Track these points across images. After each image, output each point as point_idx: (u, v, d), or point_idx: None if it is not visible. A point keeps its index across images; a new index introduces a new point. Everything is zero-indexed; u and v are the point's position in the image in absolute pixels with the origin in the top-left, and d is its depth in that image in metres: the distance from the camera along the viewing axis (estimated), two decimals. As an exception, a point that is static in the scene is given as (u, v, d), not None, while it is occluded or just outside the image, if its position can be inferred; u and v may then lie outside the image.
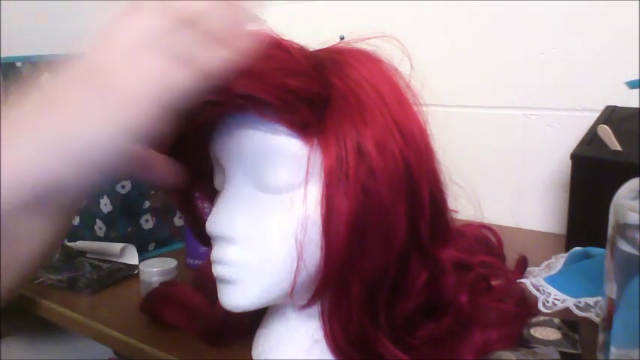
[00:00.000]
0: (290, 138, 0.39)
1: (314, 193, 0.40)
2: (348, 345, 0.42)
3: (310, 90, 0.38)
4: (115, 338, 0.55)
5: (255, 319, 0.50)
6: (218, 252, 0.41)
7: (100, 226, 0.75)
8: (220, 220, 0.40)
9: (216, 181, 0.44)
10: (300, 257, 0.40)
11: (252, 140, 0.40)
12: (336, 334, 0.42)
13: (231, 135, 0.41)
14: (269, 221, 0.40)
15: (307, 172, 0.40)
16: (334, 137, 0.38)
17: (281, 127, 0.39)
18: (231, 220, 0.40)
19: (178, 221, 0.82)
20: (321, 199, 0.39)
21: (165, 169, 0.39)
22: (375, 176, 0.38)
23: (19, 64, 0.83)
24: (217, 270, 0.41)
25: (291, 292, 0.41)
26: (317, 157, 0.39)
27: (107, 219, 0.75)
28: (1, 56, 0.87)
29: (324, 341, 0.43)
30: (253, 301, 0.41)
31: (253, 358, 0.48)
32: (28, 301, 0.66)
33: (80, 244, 0.75)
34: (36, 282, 0.68)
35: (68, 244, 0.76)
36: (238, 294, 0.41)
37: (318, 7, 1.12)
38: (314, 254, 0.40)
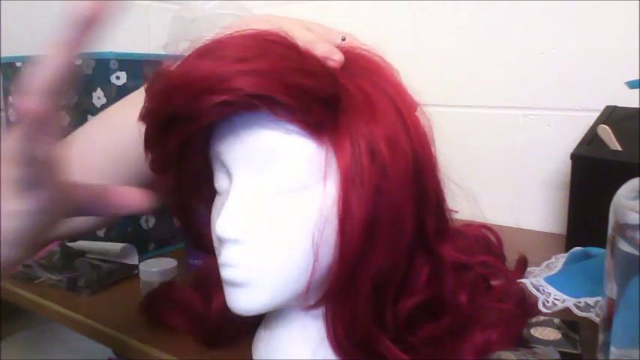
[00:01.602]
0: (302, 138, 0.39)
1: (328, 193, 0.39)
2: (351, 346, 0.42)
3: (324, 90, 0.38)
4: (115, 338, 0.55)
5: (253, 321, 0.50)
6: (228, 255, 0.40)
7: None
8: (231, 222, 0.39)
9: (218, 183, 0.43)
10: (316, 258, 0.39)
11: (263, 141, 0.39)
12: (339, 335, 0.42)
13: (239, 135, 0.40)
14: (282, 222, 0.40)
15: (325, 173, 0.39)
16: (348, 137, 0.38)
17: (293, 127, 0.39)
18: (242, 222, 0.39)
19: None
20: (338, 200, 0.39)
21: (122, 199, 0.37)
22: (387, 175, 0.39)
23: (19, 64, 0.83)
24: (227, 273, 0.40)
25: (307, 293, 0.41)
26: (330, 157, 0.39)
27: (107, 219, 0.74)
28: (1, 56, 0.87)
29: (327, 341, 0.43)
30: (266, 304, 0.41)
31: (255, 359, 0.48)
32: (28, 301, 0.66)
33: (80, 244, 0.75)
34: (36, 282, 0.68)
35: (68, 244, 0.76)
36: (250, 297, 0.40)
37: (320, 8, 1.12)
38: (327, 255, 0.40)
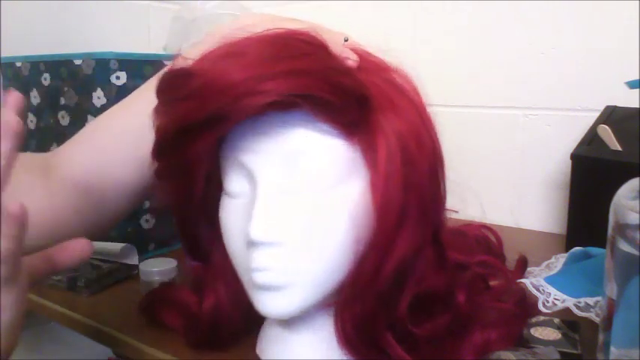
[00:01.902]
0: (334, 137, 0.39)
1: (359, 190, 0.40)
2: (359, 341, 0.42)
3: (359, 89, 0.39)
4: (115, 338, 0.55)
5: (245, 323, 0.49)
6: (261, 258, 0.39)
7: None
8: (266, 225, 0.38)
9: (233, 185, 0.42)
10: (355, 254, 0.40)
11: (294, 140, 0.39)
12: (348, 330, 0.42)
13: (268, 135, 0.39)
14: (314, 222, 0.39)
15: (356, 171, 0.40)
16: (380, 135, 0.39)
17: (327, 126, 0.39)
18: (276, 224, 0.39)
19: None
20: (373, 197, 0.39)
21: (66, 254, 0.38)
22: (416, 170, 0.40)
23: (19, 64, 0.83)
24: (262, 277, 0.39)
25: (341, 290, 0.41)
26: (358, 156, 0.40)
27: (107, 219, 0.74)
28: (1, 56, 0.87)
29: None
30: (302, 305, 0.40)
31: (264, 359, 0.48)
32: (27, 300, 0.66)
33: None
34: (36, 282, 0.68)
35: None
36: (286, 300, 0.40)
37: (319, 8, 1.12)
38: (358, 251, 0.40)
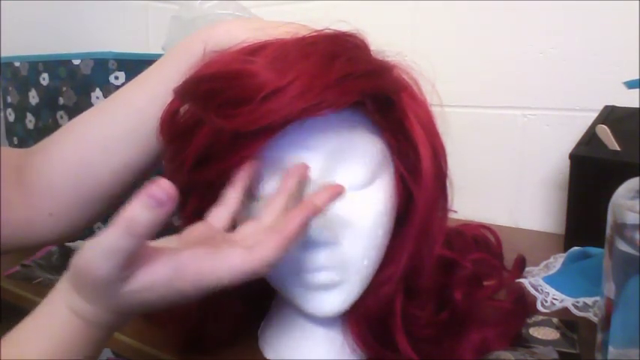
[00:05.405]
0: (373, 132, 0.41)
1: (390, 182, 0.42)
2: (373, 339, 0.43)
3: (398, 86, 0.41)
4: (115, 338, 0.55)
5: (235, 326, 0.49)
6: (321, 258, 0.39)
7: (98, 226, 0.76)
8: (327, 223, 0.38)
9: (267, 187, 0.40)
10: (389, 247, 0.43)
11: (341, 136, 0.39)
12: (362, 329, 0.43)
13: (313, 133, 0.38)
14: (361, 217, 0.40)
15: (391, 162, 0.43)
16: (414, 126, 0.41)
17: (369, 122, 0.41)
18: (332, 222, 0.39)
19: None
20: (416, 187, 0.42)
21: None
22: (441, 164, 0.43)
23: (17, 63, 0.83)
24: (322, 277, 0.40)
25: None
26: (386, 148, 0.42)
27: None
28: (1, 56, 0.87)
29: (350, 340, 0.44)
30: (353, 300, 0.42)
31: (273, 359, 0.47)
32: (27, 301, 0.66)
33: (79, 244, 0.75)
34: (35, 282, 0.68)
35: (67, 244, 0.76)
36: (342, 297, 0.41)
37: (319, 8, 1.12)
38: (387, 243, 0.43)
